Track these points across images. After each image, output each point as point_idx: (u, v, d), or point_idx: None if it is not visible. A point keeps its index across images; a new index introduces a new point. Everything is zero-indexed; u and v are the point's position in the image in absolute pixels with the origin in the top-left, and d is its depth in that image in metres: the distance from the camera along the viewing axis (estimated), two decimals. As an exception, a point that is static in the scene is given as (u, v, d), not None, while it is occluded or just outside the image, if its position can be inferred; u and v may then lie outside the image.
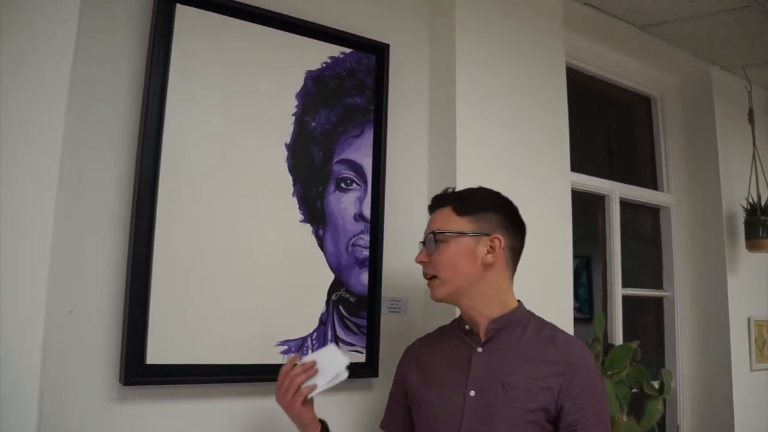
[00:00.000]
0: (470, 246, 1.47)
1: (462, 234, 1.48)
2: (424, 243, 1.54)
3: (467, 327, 1.53)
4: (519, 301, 1.55)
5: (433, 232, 1.50)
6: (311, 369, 1.43)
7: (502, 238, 1.47)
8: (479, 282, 1.48)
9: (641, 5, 2.52)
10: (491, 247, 1.47)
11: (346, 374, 1.45)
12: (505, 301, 1.51)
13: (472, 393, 1.43)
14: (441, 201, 1.56)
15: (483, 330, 1.49)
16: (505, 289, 1.52)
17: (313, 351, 1.73)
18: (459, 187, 1.93)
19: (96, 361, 1.51)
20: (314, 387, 1.43)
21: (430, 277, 1.52)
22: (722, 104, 3.04)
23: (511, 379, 1.40)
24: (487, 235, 1.48)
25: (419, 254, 1.54)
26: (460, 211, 1.50)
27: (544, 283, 1.79)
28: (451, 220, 1.50)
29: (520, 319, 1.50)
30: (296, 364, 1.44)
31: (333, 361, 1.44)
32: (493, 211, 1.50)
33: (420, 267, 1.56)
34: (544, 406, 1.37)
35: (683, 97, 3.16)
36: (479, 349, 1.48)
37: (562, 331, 1.51)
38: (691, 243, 3.04)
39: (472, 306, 1.49)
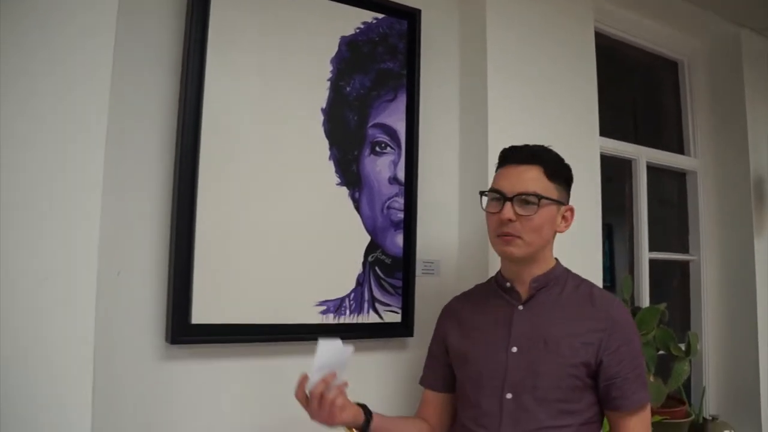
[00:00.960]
0: (554, 214, 1.50)
1: (552, 201, 1.48)
2: (508, 198, 1.46)
3: (508, 284, 1.55)
4: (556, 258, 1.59)
5: (535, 195, 1.45)
6: (332, 379, 1.38)
7: (573, 209, 1.54)
8: (546, 247, 1.53)
9: (670, -33, 2.50)
10: (564, 217, 1.53)
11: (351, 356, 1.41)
12: (548, 261, 1.55)
13: (515, 349, 1.46)
14: (529, 158, 1.50)
15: (525, 288, 1.53)
16: (551, 251, 1.57)
17: (345, 319, 1.79)
18: (490, 152, 1.96)
19: (143, 321, 1.56)
20: (345, 386, 1.41)
21: (509, 235, 1.47)
22: (751, 67, 3.00)
23: (553, 335, 1.44)
24: (565, 205, 1.53)
25: (506, 210, 1.45)
26: (551, 176, 1.49)
27: (573, 249, 1.81)
28: (542, 184, 1.47)
29: (559, 277, 1.54)
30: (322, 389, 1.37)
31: (339, 357, 1.40)
32: (570, 182, 1.56)
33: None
34: (585, 360, 1.41)
35: (711, 60, 3.13)
36: (520, 307, 1.51)
37: (599, 288, 1.55)
38: (717, 207, 3.04)
39: (528, 267, 1.52)
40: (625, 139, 2.79)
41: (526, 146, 1.54)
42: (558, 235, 1.59)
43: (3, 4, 1.27)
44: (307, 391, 1.38)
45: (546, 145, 1.55)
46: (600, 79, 2.35)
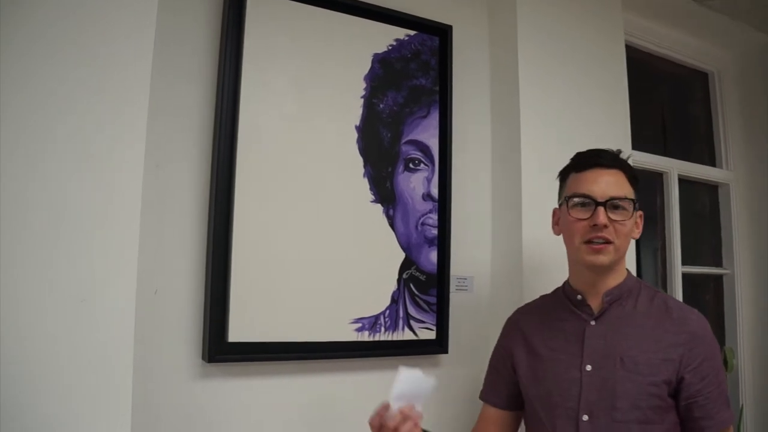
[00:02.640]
0: (634, 219, 1.43)
1: (636, 206, 1.43)
2: (600, 203, 1.38)
3: (579, 297, 1.46)
4: (627, 269, 1.49)
5: (629, 199, 1.41)
6: (409, 411, 1.31)
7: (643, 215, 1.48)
8: (625, 253, 1.45)
9: (700, -21, 2.49)
10: (636, 223, 1.46)
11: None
12: (621, 272, 1.46)
13: (589, 368, 1.38)
14: (613, 161, 1.45)
15: (597, 301, 1.44)
16: (625, 261, 1.48)
17: (387, 333, 1.78)
18: (523, 167, 1.95)
19: (180, 340, 1.57)
20: (420, 419, 1.32)
21: (604, 242, 1.39)
22: (783, 77, 2.98)
23: (630, 352, 1.35)
24: (638, 211, 1.46)
25: (600, 215, 1.38)
26: (632, 181, 1.45)
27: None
28: (628, 188, 1.43)
29: (632, 289, 1.45)
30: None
31: (419, 387, 1.32)
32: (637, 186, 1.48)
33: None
34: (666, 378, 1.32)
35: (742, 71, 3.10)
36: (592, 322, 1.43)
37: (674, 299, 1.48)
38: (750, 220, 2.99)
39: (605, 277, 1.43)
40: (656, 151, 2.76)
41: (607, 150, 1.48)
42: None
43: (37, 26, 1.28)
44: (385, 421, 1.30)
45: None
46: (631, 91, 2.33)
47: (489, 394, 1.61)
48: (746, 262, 2.96)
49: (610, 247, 1.39)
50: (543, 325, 1.52)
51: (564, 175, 1.52)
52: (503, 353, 1.59)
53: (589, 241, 1.40)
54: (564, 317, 1.48)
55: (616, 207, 1.39)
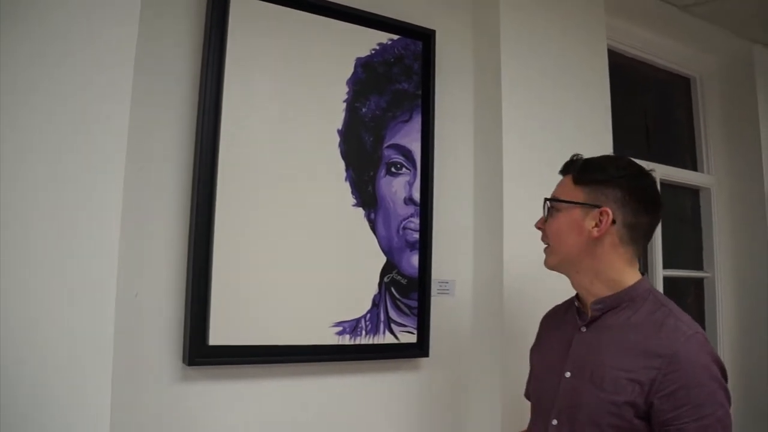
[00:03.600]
0: (578, 218, 1.37)
1: (572, 204, 1.39)
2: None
3: (577, 304, 1.45)
4: (643, 276, 1.39)
5: (546, 200, 1.44)
6: None
7: (610, 212, 1.34)
8: (587, 257, 1.37)
9: (683, -15, 2.51)
10: (599, 221, 1.35)
11: None
12: (617, 281, 1.36)
13: (568, 374, 1.36)
14: (566, 168, 1.47)
15: (589, 309, 1.39)
16: (617, 268, 1.37)
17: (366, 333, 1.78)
18: (505, 171, 1.96)
19: (161, 343, 1.56)
20: None
21: (545, 246, 1.46)
22: (764, 83, 3.00)
23: (601, 365, 1.29)
24: (597, 207, 1.36)
25: (538, 220, 1.47)
26: (578, 180, 1.41)
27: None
28: (567, 189, 1.42)
29: (635, 299, 1.34)
30: None
31: None
32: (611, 185, 1.36)
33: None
34: (630, 400, 1.23)
35: (724, 76, 3.13)
36: (583, 329, 1.40)
37: (678, 318, 1.30)
38: (731, 224, 3.03)
39: (579, 281, 1.41)
40: (639, 155, 2.77)
41: (572, 158, 1.48)
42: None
43: (22, 24, 1.28)
44: None
45: (561, 163, 1.50)
46: (613, 96, 2.35)
47: (527, 390, 1.61)
48: (727, 266, 2.99)
49: (548, 250, 1.45)
50: (553, 325, 1.55)
51: None
52: (530, 352, 1.61)
53: None
54: (567, 320, 1.48)
55: (549, 209, 1.44)
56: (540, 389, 1.46)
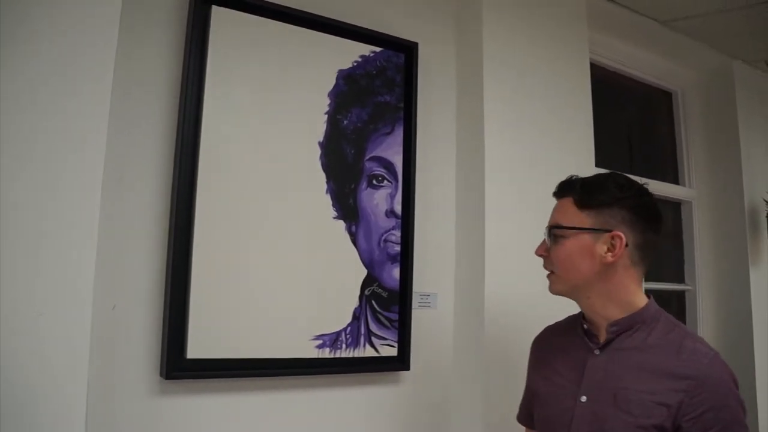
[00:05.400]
0: (589, 243, 1.33)
1: (580, 230, 1.34)
2: (546, 234, 1.40)
3: (586, 327, 1.40)
4: (650, 298, 1.37)
5: (550, 227, 1.38)
6: None
7: (623, 236, 1.30)
8: (599, 281, 1.34)
9: (664, 0, 2.53)
10: (611, 245, 1.31)
11: None
12: (630, 302, 1.33)
13: (584, 399, 1.31)
14: (564, 190, 1.41)
15: (602, 332, 1.36)
16: (630, 290, 1.34)
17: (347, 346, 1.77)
18: (487, 185, 1.96)
19: (138, 356, 1.54)
20: None
21: (549, 272, 1.41)
22: (744, 98, 3.04)
23: (625, 389, 1.26)
24: (608, 231, 1.32)
25: (539, 247, 1.41)
26: (581, 204, 1.35)
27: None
28: (570, 214, 1.36)
29: (647, 320, 1.32)
30: None
31: None
32: (617, 206, 1.33)
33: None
34: (658, 423, 1.20)
35: (705, 91, 3.17)
36: (597, 352, 1.35)
37: (693, 338, 1.31)
38: (712, 237, 3.06)
39: (591, 305, 1.37)
40: (621, 169, 2.78)
41: (569, 179, 1.44)
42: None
43: (3, 27, 1.27)
44: None
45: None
46: (595, 109, 2.36)
47: (522, 415, 1.58)
48: (708, 279, 3.02)
49: (553, 277, 1.40)
50: (556, 347, 1.48)
51: None
52: (528, 374, 1.56)
53: None
54: (574, 342, 1.42)
55: (554, 236, 1.38)
56: (550, 415, 1.40)
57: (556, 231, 1.37)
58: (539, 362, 1.51)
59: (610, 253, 1.31)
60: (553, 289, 1.41)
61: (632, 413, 1.23)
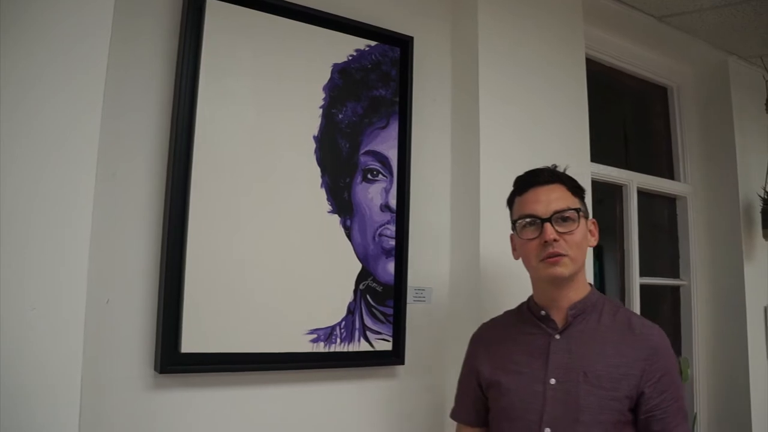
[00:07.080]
0: (585, 228, 1.47)
1: (584, 215, 1.47)
2: (545, 219, 1.41)
3: (543, 312, 1.48)
4: (590, 283, 1.52)
5: (572, 209, 1.43)
6: None
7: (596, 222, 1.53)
8: (583, 267, 1.47)
9: (659, -4, 2.54)
10: (590, 231, 1.51)
11: None
12: (585, 285, 1.49)
13: (553, 381, 1.39)
14: (551, 177, 1.48)
15: (561, 315, 1.45)
16: (585, 273, 1.50)
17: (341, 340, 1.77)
18: (482, 179, 1.96)
19: (132, 350, 1.54)
20: None
21: (557, 255, 1.41)
22: (739, 94, 3.04)
23: (594, 366, 1.36)
24: (589, 219, 1.52)
25: (549, 232, 1.41)
26: (575, 192, 1.48)
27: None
28: (570, 200, 1.45)
29: (596, 303, 1.47)
30: None
31: None
32: (584, 196, 1.52)
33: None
34: (627, 393, 1.34)
35: (700, 86, 3.17)
36: (557, 336, 1.44)
37: (637, 315, 1.50)
38: (707, 232, 3.06)
39: (571, 288, 1.45)
40: (616, 164, 2.80)
41: (544, 168, 1.52)
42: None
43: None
44: None
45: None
46: (591, 104, 2.36)
47: (459, 412, 1.62)
48: (702, 274, 3.02)
49: (566, 259, 1.42)
50: (507, 340, 1.53)
51: (510, 201, 1.56)
52: (468, 371, 1.60)
53: (545, 258, 1.42)
54: (529, 331, 1.49)
55: (563, 219, 1.43)
56: (516, 402, 1.43)
57: (570, 213, 1.43)
58: (493, 356, 1.54)
59: (592, 238, 1.51)
60: (564, 272, 1.42)
61: (604, 387, 1.34)
